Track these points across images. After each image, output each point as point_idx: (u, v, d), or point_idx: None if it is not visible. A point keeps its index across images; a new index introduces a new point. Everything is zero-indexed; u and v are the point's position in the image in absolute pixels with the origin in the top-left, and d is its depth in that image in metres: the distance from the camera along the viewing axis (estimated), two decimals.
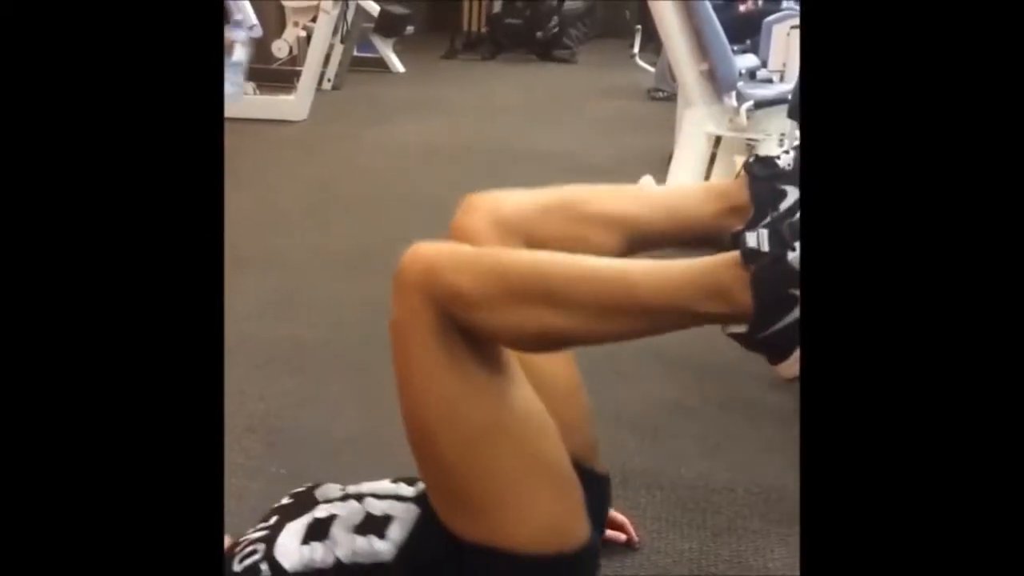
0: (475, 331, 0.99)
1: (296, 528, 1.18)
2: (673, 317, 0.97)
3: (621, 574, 1.47)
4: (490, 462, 1.04)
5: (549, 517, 1.07)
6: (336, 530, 1.15)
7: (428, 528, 1.11)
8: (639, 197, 1.24)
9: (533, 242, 1.15)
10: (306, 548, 1.15)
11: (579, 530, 1.11)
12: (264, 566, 1.14)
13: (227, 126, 4.37)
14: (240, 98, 3.36)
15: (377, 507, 1.17)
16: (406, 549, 1.12)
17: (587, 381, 2.16)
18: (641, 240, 1.21)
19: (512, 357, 1.06)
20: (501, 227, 1.16)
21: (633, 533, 1.54)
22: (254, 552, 1.17)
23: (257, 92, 5.60)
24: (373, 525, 1.15)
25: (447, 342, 1.00)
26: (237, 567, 1.15)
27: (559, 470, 1.09)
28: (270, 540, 1.17)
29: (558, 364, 1.18)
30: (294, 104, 5.40)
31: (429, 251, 1.02)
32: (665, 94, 6.07)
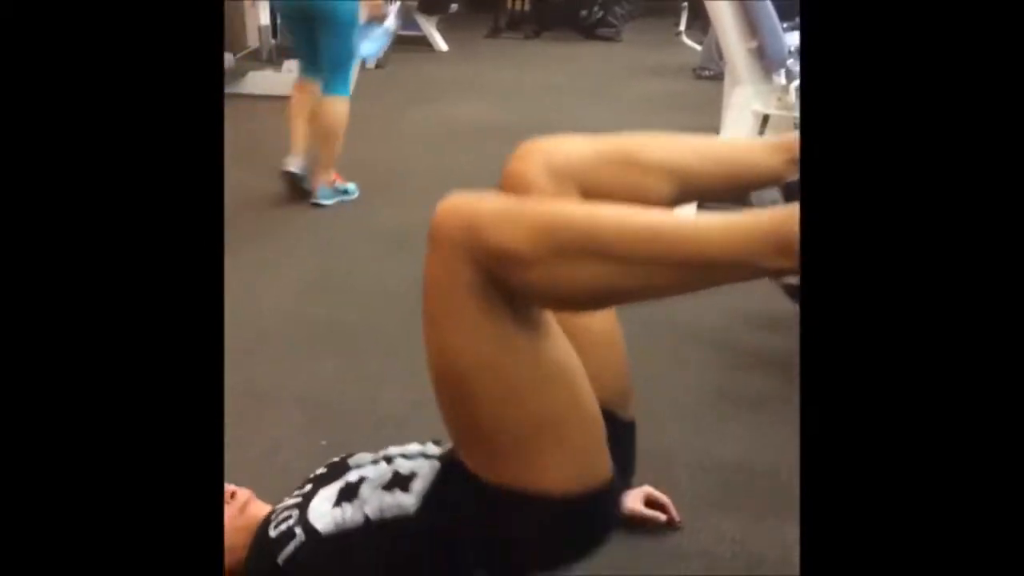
0: (520, 290, 0.96)
1: (329, 493, 1.21)
2: (736, 272, 0.93)
3: (662, 552, 1.47)
4: (521, 414, 1.04)
5: (573, 462, 1.08)
6: (365, 489, 1.18)
7: (449, 476, 1.14)
8: (698, 148, 1.20)
9: (587, 190, 1.12)
10: (337, 510, 1.18)
11: (601, 472, 1.11)
12: (298, 529, 1.17)
13: (271, 104, 4.43)
14: (375, 55, 3.79)
15: (405, 466, 1.20)
16: (429, 499, 1.14)
17: (632, 365, 2.15)
18: (697, 191, 1.18)
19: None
20: (555, 175, 1.12)
21: (674, 513, 1.54)
22: (288, 518, 1.20)
23: None
24: (399, 482, 1.18)
25: (485, 299, 0.97)
26: (273, 532, 1.19)
27: (587, 418, 1.09)
28: (303, 506, 1.20)
29: (596, 314, 1.16)
30: None
31: (469, 205, 0.97)
32: (712, 72, 5.98)
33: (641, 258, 0.93)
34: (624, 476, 1.21)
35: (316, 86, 3.24)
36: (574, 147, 1.16)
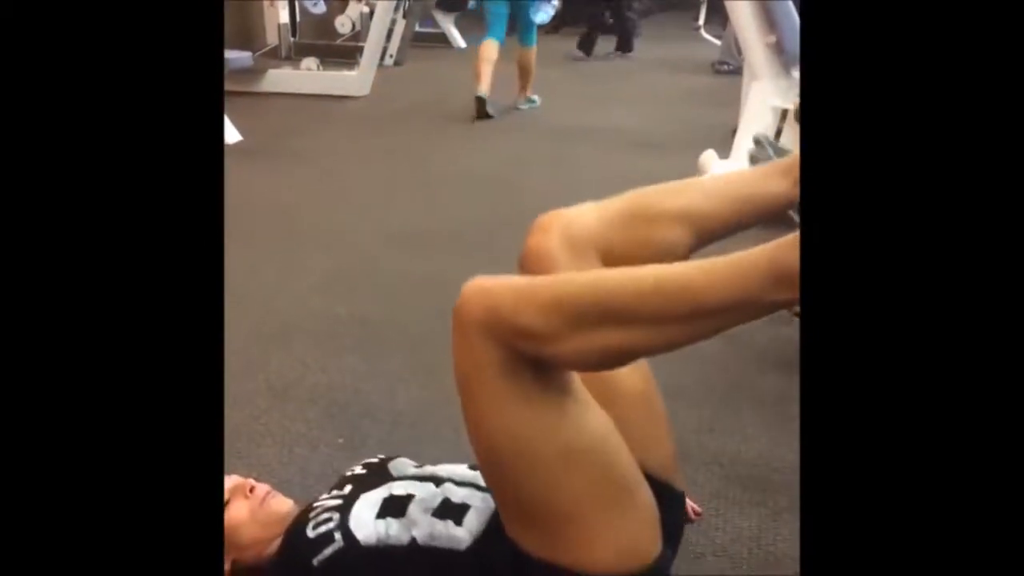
0: (543, 362, 1.00)
1: (372, 500, 1.20)
2: (743, 312, 0.96)
3: (679, 550, 1.46)
4: (562, 488, 1.05)
5: (619, 538, 1.08)
6: (414, 510, 1.17)
7: (499, 531, 1.12)
8: (704, 189, 1.25)
9: (607, 252, 1.17)
10: (381, 523, 1.16)
11: (650, 549, 1.11)
12: (338, 535, 1.16)
13: (290, 101, 4.47)
14: (547, 22, 5.32)
15: (456, 494, 1.19)
16: (480, 542, 1.13)
17: (649, 362, 2.15)
18: (711, 231, 1.21)
19: (578, 378, 1.07)
20: (574, 245, 1.17)
21: (691, 513, 1.53)
22: (329, 520, 1.18)
23: (320, 68, 5.66)
24: (451, 511, 1.16)
25: (513, 376, 1.00)
26: (311, 533, 1.18)
27: (631, 490, 1.10)
28: (344, 510, 1.19)
29: (631, 373, 1.17)
30: (356, 80, 5.44)
31: (487, 289, 1.01)
32: (731, 67, 5.96)
33: (651, 316, 0.96)
34: (672, 546, 1.19)
35: (497, 44, 4.99)
36: (588, 215, 1.20)
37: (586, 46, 7.08)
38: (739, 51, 4.57)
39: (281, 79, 5.49)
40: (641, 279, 0.98)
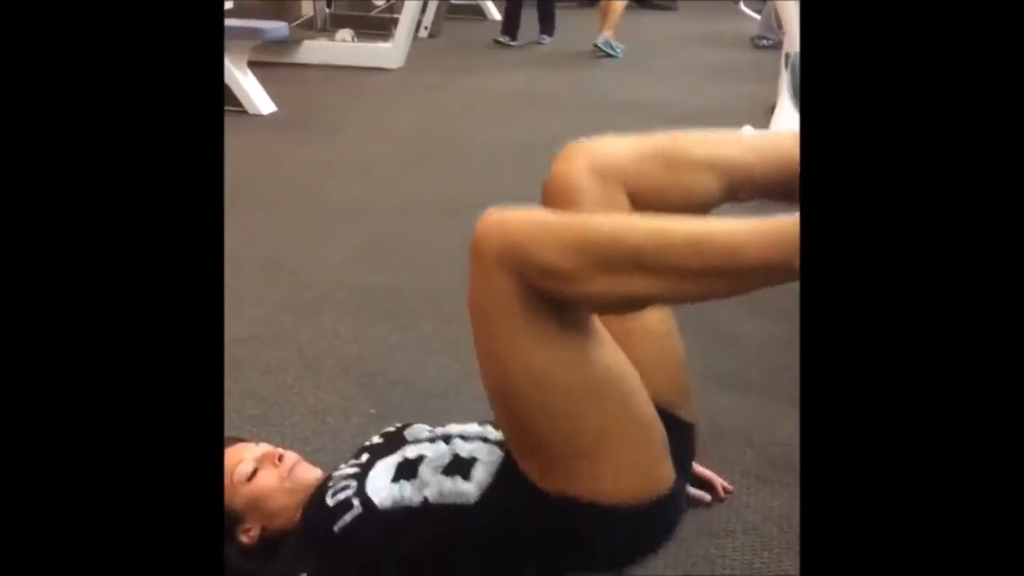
0: (562, 300, 0.99)
1: (387, 466, 1.21)
2: (772, 275, 0.95)
3: (709, 527, 1.46)
4: (576, 422, 1.05)
5: (632, 469, 1.09)
6: (424, 470, 1.19)
7: (508, 473, 1.14)
8: (745, 143, 1.21)
9: (633, 189, 1.14)
10: (395, 486, 1.18)
11: (663, 478, 1.12)
12: (356, 501, 1.18)
13: (325, 73, 4.47)
14: None
15: (464, 449, 1.20)
16: (490, 493, 1.15)
17: (680, 335, 2.13)
18: (743, 186, 1.18)
19: (595, 315, 1.07)
20: (600, 176, 1.14)
21: (720, 491, 1.53)
22: (346, 487, 1.20)
23: (355, 40, 5.65)
24: (459, 467, 1.18)
25: (531, 312, 0.99)
26: (330, 501, 1.20)
27: (643, 422, 1.10)
28: (361, 477, 1.21)
29: (650, 312, 1.17)
30: (391, 52, 5.43)
31: (507, 222, 1.00)
32: (770, 42, 5.86)
33: (679, 269, 0.95)
34: (683, 475, 1.20)
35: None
36: (618, 148, 1.17)
37: (509, 27, 6.36)
38: (779, 25, 4.50)
39: (316, 50, 5.49)
40: (673, 231, 0.97)
